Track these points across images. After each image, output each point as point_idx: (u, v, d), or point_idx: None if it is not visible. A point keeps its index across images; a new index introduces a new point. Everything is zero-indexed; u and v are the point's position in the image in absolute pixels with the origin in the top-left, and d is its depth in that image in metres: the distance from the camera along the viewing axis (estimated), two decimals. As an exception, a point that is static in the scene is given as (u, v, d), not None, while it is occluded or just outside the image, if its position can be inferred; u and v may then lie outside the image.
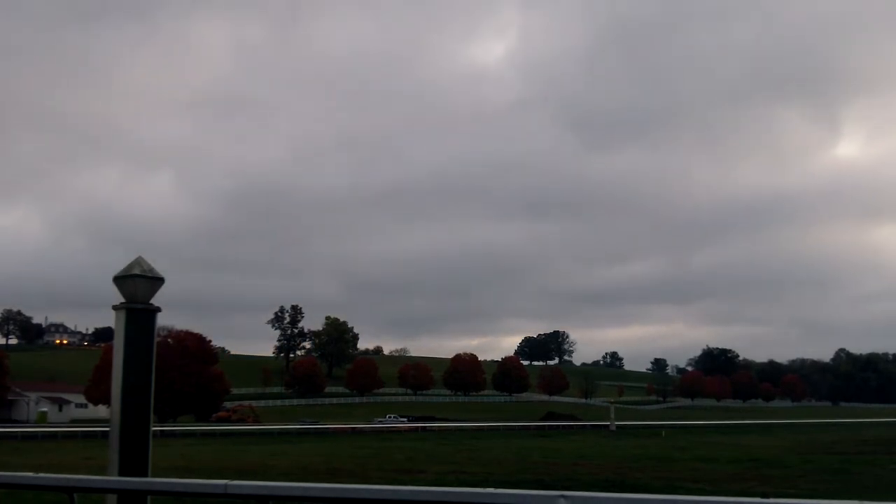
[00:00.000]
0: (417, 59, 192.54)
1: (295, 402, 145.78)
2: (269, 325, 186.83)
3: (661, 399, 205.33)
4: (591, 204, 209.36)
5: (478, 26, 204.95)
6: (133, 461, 10.96)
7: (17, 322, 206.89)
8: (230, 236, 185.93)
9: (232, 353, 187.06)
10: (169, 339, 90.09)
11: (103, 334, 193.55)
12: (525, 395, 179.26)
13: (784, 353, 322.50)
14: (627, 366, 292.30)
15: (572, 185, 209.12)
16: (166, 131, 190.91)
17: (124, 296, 11.44)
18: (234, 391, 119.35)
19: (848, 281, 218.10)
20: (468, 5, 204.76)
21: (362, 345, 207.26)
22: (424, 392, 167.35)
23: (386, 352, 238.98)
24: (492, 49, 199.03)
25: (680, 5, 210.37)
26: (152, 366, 11.45)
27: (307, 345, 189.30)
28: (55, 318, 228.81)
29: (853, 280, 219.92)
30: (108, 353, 75.18)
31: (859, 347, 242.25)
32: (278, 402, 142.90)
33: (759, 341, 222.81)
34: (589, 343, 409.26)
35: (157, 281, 11.59)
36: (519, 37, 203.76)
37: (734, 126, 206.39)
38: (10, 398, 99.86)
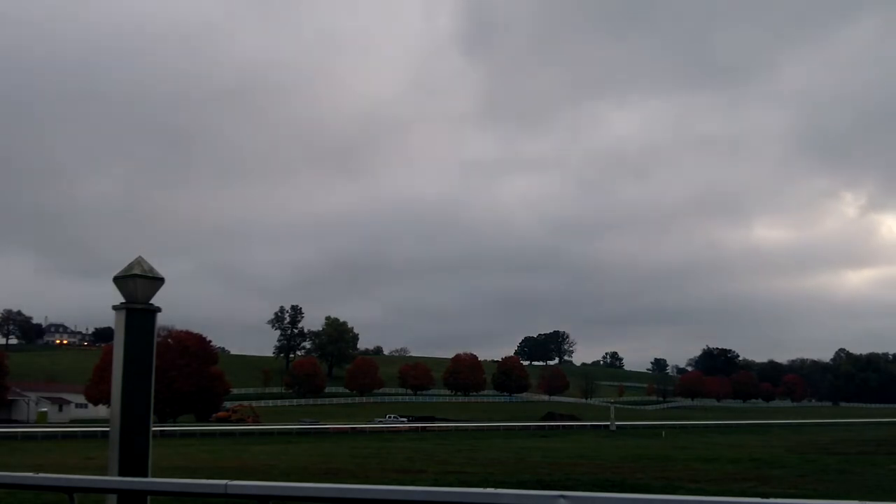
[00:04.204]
0: (458, 200, 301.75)
1: (295, 402, 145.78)
2: (269, 325, 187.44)
3: (661, 399, 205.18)
4: (579, 270, 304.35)
5: (502, 184, 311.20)
6: (133, 461, 10.96)
7: (17, 322, 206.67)
8: (325, 280, 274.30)
9: (232, 352, 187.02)
10: (169, 339, 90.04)
11: (103, 334, 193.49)
12: (525, 395, 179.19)
13: (784, 354, 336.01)
14: (627, 366, 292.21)
15: (566, 260, 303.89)
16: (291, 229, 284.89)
17: (124, 296, 11.43)
18: (234, 391, 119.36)
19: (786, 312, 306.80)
20: (497, 176, 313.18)
21: (362, 345, 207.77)
22: (424, 392, 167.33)
23: (386, 352, 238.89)
24: (512, 195, 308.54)
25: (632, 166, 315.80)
26: (152, 366, 11.44)
27: (307, 345, 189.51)
28: (55, 319, 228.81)
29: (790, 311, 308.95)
30: (108, 353, 75.19)
31: (858, 349, 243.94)
32: (278, 402, 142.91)
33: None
34: (589, 343, 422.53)
35: (157, 281, 11.58)
36: (529, 188, 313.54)
37: (673, 227, 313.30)
38: (10, 398, 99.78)
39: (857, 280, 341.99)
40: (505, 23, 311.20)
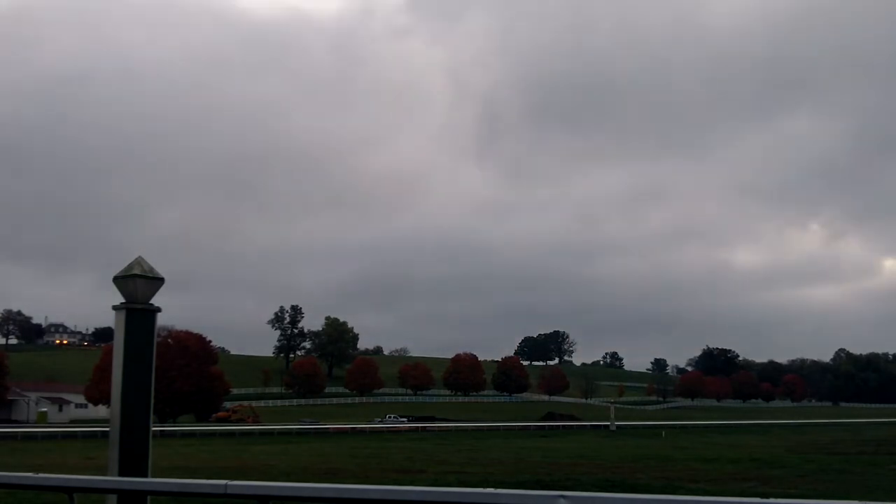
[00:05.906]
0: (470, 233, 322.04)
1: (295, 402, 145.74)
2: (269, 325, 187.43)
3: (661, 399, 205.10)
4: (578, 286, 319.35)
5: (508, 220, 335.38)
6: (133, 461, 10.96)
7: (17, 322, 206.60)
8: (356, 294, 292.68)
9: (232, 352, 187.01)
10: (169, 339, 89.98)
11: (103, 334, 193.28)
12: (525, 395, 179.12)
13: (784, 354, 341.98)
14: (627, 366, 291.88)
15: (566, 278, 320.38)
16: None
17: (124, 296, 11.42)
18: (234, 391, 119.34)
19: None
20: (504, 214, 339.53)
21: (362, 345, 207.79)
22: (424, 392, 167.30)
23: (386, 352, 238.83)
24: (517, 228, 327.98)
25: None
26: (152, 366, 11.44)
27: (307, 345, 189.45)
28: (55, 318, 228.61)
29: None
30: (108, 353, 75.15)
31: (858, 349, 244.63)
32: (278, 402, 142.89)
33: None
34: (589, 344, 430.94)
35: (156, 281, 11.57)
36: (533, 223, 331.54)
37: (660, 251, 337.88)
38: (10, 398, 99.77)
39: (826, 293, 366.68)
40: (509, 115, 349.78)
